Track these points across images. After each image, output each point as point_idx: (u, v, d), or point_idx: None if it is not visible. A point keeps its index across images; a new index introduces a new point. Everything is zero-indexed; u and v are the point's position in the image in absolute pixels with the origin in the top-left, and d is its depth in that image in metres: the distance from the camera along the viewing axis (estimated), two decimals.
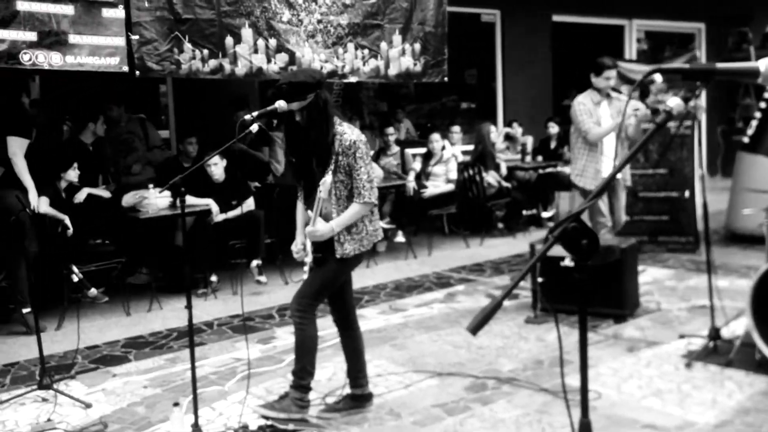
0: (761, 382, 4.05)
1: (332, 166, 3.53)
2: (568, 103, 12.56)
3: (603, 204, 5.94)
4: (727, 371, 4.24)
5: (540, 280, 5.41)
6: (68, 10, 5.39)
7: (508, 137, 10.04)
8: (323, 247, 3.64)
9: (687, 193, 7.46)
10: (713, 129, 13.33)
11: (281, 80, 3.62)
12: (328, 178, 3.43)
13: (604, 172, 5.86)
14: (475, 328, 1.88)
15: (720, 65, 1.90)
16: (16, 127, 5.45)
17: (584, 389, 1.99)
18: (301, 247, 3.74)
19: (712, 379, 4.15)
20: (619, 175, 5.89)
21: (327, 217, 3.58)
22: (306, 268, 3.70)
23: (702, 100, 6.68)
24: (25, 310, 5.43)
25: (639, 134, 5.85)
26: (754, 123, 7.67)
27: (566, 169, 9.51)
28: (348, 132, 3.58)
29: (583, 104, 5.84)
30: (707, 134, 13.31)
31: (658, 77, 6.25)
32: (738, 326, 4.68)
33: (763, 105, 7.66)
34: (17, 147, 5.41)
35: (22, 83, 6.27)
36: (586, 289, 1.98)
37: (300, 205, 3.84)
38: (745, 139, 7.79)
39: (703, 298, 5.20)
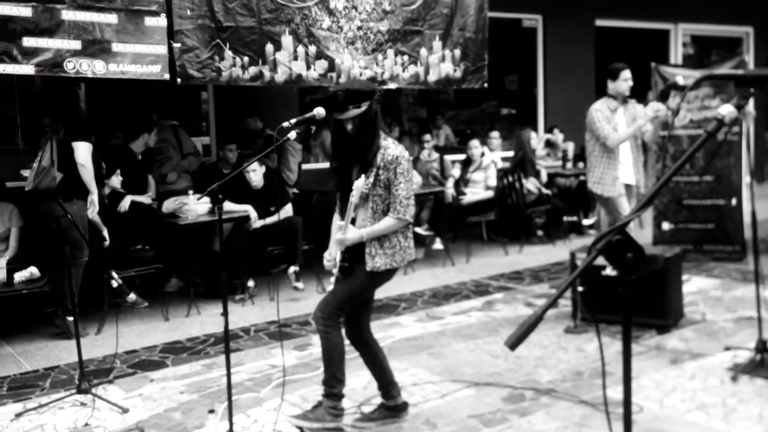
0: None
1: (372, 178, 3.52)
2: None
3: (627, 207, 5.84)
4: None
5: (580, 289, 5.31)
6: (112, 18, 5.48)
7: (549, 143, 9.91)
8: (353, 258, 3.62)
9: (734, 201, 7.26)
10: (761, 135, 12.96)
11: (336, 88, 3.61)
12: (360, 182, 3.42)
13: (621, 179, 5.74)
14: (514, 344, 1.82)
15: None
16: (82, 133, 5.54)
17: (627, 402, 1.93)
18: (332, 257, 3.72)
19: (758, 393, 4.01)
20: (632, 181, 5.82)
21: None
22: (333, 279, 3.68)
23: (750, 106, 6.49)
24: (68, 318, 5.51)
25: (657, 139, 5.73)
26: None
27: None
28: (392, 147, 3.56)
29: (600, 111, 5.73)
30: (755, 140, 12.96)
31: (680, 80, 6.14)
32: None
33: None
34: (86, 152, 5.48)
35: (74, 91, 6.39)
36: (629, 294, 1.92)
37: (335, 216, 3.83)
38: None
39: (750, 309, 5.04)
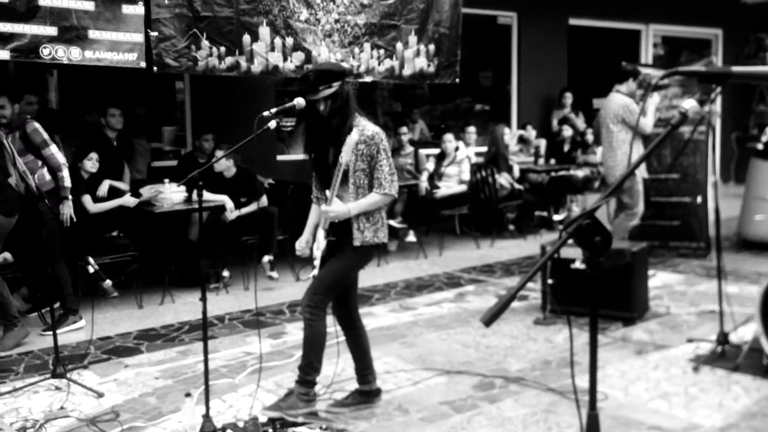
0: (767, 387, 4.07)
1: (350, 152, 3.52)
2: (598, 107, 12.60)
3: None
4: (735, 375, 4.25)
5: (550, 281, 5.43)
6: (89, 5, 5.47)
7: (522, 140, 10.06)
8: (339, 234, 3.66)
9: (699, 199, 7.44)
10: (728, 135, 13.27)
11: (307, 71, 3.67)
12: (354, 136, 3.48)
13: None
14: (489, 320, 1.90)
15: (736, 69, 1.92)
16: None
17: (593, 381, 2.03)
18: (304, 244, 3.80)
19: (719, 383, 4.17)
20: (645, 174, 6.55)
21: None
22: (317, 262, 3.72)
23: (717, 106, 6.71)
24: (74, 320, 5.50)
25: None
26: None
27: (579, 173, 9.55)
28: (369, 125, 3.64)
29: (633, 104, 6.45)
30: (721, 140, 13.26)
31: (655, 80, 6.74)
32: (746, 332, 4.70)
33: None
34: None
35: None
36: (597, 287, 2.02)
37: (313, 206, 3.89)
38: (759, 146, 7.78)
39: (713, 303, 5.20)
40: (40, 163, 5.34)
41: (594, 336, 2.05)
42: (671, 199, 7.58)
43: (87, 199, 5.99)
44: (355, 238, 3.63)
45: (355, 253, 3.67)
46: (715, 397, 3.98)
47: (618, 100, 6.56)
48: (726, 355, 4.49)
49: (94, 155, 6.05)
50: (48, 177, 5.39)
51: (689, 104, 2.01)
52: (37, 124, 5.31)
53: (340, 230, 3.67)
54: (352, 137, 3.49)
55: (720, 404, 3.90)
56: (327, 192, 3.64)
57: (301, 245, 3.84)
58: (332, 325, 5.46)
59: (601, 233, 1.85)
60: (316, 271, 3.75)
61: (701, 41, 13.45)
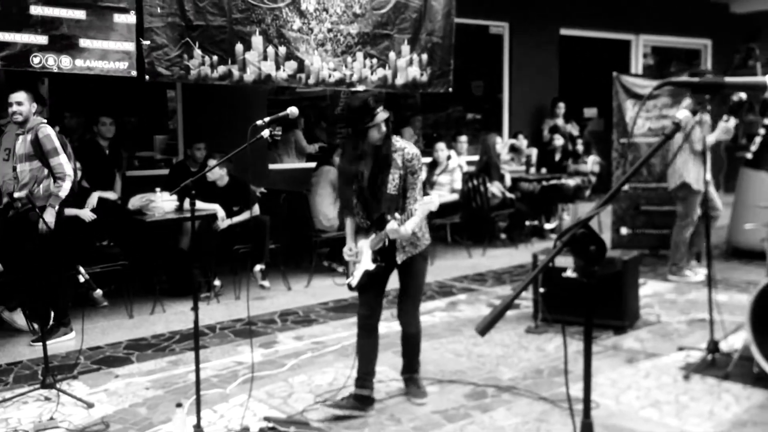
0: (758, 396, 4.08)
1: (397, 175, 3.82)
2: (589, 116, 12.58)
3: (717, 197, 6.77)
4: (725, 384, 4.26)
5: (542, 290, 5.44)
6: (80, 14, 5.47)
7: (513, 149, 10.09)
8: (387, 257, 3.93)
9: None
10: (717, 145, 13.32)
11: (353, 97, 3.93)
12: (399, 158, 3.81)
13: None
14: (484, 329, 1.90)
15: (728, 79, 1.94)
16: None
17: (587, 388, 2.03)
18: (353, 252, 3.97)
19: (709, 392, 4.18)
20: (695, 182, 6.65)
21: (382, 224, 3.81)
22: (358, 273, 3.94)
23: (707, 116, 6.75)
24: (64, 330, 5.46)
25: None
26: (757, 140, 7.71)
27: (570, 182, 9.58)
28: (408, 145, 3.89)
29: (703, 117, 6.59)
30: (711, 150, 13.31)
31: (743, 95, 6.53)
32: (736, 340, 4.71)
33: (767, 122, 7.70)
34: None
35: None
36: (591, 294, 2.02)
37: (350, 219, 4.04)
38: (749, 156, 7.83)
39: (703, 312, 5.22)
40: (46, 172, 5.22)
41: (588, 345, 2.06)
42: (662, 208, 7.61)
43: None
44: (419, 246, 3.98)
45: (423, 258, 4.05)
46: (706, 406, 4.00)
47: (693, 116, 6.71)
48: (716, 364, 4.51)
49: (77, 164, 6.03)
50: (53, 189, 5.23)
51: (682, 114, 2.03)
52: (50, 130, 5.21)
53: (387, 252, 3.91)
54: (401, 159, 3.81)
55: (711, 412, 3.91)
56: (359, 210, 3.94)
57: (351, 253, 3.99)
58: (324, 335, 5.47)
59: (596, 242, 1.86)
60: (354, 281, 3.98)
61: (691, 51, 13.56)
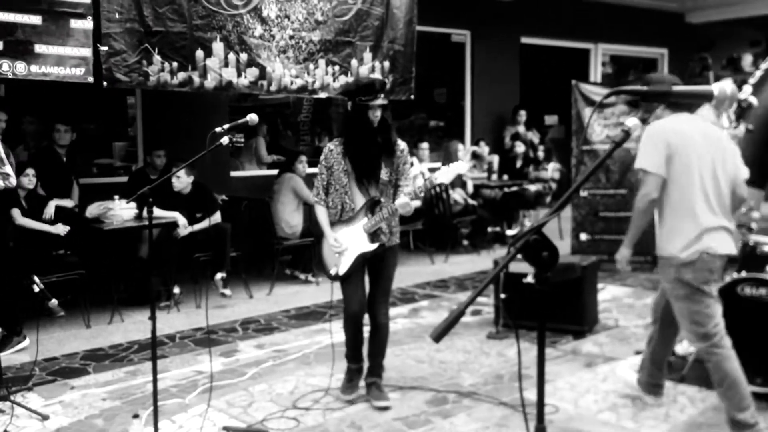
0: (713, 398, 4.15)
1: (391, 163, 4.05)
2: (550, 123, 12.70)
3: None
4: (681, 386, 4.35)
5: (502, 296, 5.49)
6: (36, 20, 5.37)
7: (475, 156, 10.17)
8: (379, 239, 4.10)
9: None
10: None
11: (371, 78, 4.06)
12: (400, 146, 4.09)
13: None
14: (438, 336, 1.93)
15: (676, 88, 2.00)
16: None
17: (540, 394, 2.06)
18: (339, 243, 4.05)
19: (666, 394, 4.24)
20: None
21: (373, 208, 4.04)
22: (346, 261, 4.06)
23: None
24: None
25: None
26: None
27: (531, 188, 9.69)
28: (398, 138, 4.14)
29: None
30: None
31: (754, 99, 6.65)
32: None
33: (747, 127, 7.86)
34: None
35: None
36: (546, 302, 2.05)
37: (322, 208, 4.13)
38: None
39: None
40: None
41: (542, 351, 2.08)
42: (619, 214, 7.73)
43: (16, 212, 5.82)
44: (394, 238, 4.14)
45: (395, 253, 4.19)
46: (662, 408, 4.07)
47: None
48: (672, 367, 4.58)
49: (30, 171, 5.94)
50: None
51: (632, 122, 2.08)
52: None
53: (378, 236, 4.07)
54: (399, 147, 4.07)
55: (666, 415, 3.98)
56: (352, 196, 4.06)
57: (338, 243, 4.06)
58: (285, 342, 5.45)
59: (548, 248, 1.89)
60: (343, 269, 4.09)
61: (648, 60, 13.84)
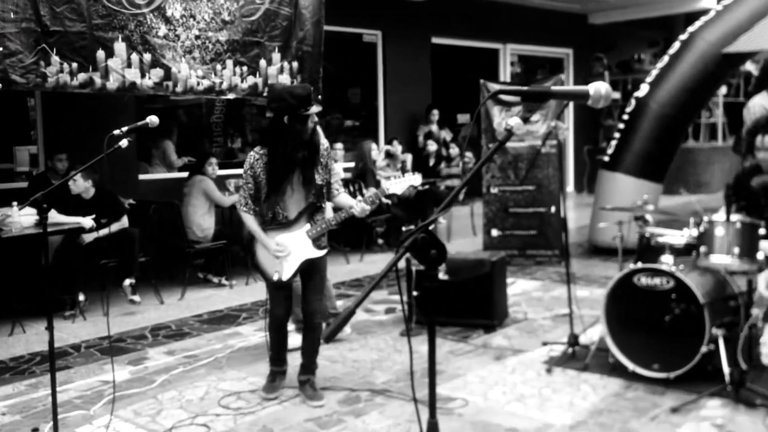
0: (613, 385, 4.34)
1: (320, 166, 4.07)
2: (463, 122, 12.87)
3: None
4: (584, 375, 4.51)
5: (415, 293, 5.56)
6: None
7: (389, 155, 10.25)
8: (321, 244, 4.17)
9: (553, 209, 7.86)
10: (580, 148, 14.13)
11: (301, 87, 4.17)
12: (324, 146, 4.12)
13: None
14: (328, 337, 1.99)
15: (555, 88, 2.09)
16: None
17: (432, 389, 2.13)
18: (282, 247, 4.02)
19: (570, 383, 4.41)
20: None
21: (314, 214, 4.10)
22: (289, 266, 4.06)
23: (563, 121, 7.12)
24: None
25: None
26: (613, 143, 8.21)
27: (443, 185, 9.85)
28: (322, 137, 4.22)
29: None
30: (575, 153, 14.11)
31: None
32: (594, 332, 5.00)
33: (621, 126, 8.22)
34: None
35: None
36: (435, 299, 2.11)
37: (250, 216, 4.07)
38: (605, 158, 8.33)
39: (566, 308, 5.50)
40: None
41: (432, 348, 2.17)
42: (528, 210, 7.96)
43: None
44: (324, 243, 4.17)
45: (325, 256, 4.22)
46: (566, 397, 4.21)
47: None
48: (576, 356, 4.77)
49: None
50: None
51: (514, 122, 2.16)
52: None
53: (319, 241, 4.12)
54: (323, 146, 4.09)
55: (570, 403, 4.13)
56: (284, 203, 4.03)
57: (281, 248, 4.03)
58: (197, 348, 5.35)
59: (436, 246, 1.94)
60: (286, 275, 4.08)
61: (555, 60, 14.30)
